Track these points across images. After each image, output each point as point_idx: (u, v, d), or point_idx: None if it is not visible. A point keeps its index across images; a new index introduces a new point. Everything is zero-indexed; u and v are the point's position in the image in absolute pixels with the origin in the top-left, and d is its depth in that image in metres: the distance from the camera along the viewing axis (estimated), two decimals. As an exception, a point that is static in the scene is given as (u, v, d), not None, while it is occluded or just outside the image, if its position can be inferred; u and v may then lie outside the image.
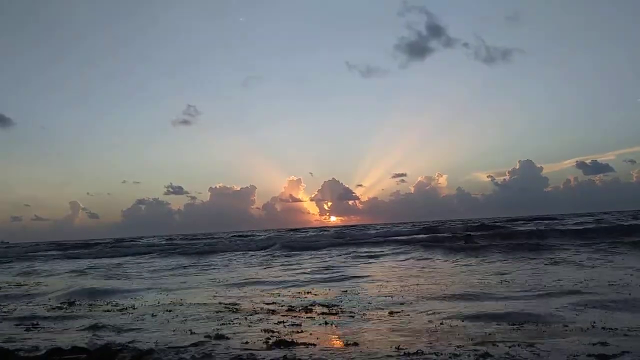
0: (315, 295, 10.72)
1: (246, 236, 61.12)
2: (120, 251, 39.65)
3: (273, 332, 6.71)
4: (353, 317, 7.82)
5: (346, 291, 11.02)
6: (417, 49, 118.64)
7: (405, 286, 11.44)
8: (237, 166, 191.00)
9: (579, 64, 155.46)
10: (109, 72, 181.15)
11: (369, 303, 9.15)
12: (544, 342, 5.57)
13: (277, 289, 12.21)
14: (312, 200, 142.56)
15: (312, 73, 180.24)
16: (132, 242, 59.91)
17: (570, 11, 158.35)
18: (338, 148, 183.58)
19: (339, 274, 15.21)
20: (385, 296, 9.91)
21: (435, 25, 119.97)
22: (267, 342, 6.02)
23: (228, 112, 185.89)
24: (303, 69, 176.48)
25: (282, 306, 9.16)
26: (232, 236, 64.93)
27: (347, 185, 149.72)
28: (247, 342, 6.10)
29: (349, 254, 23.98)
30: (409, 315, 7.78)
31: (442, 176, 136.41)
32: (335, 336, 6.49)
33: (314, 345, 5.84)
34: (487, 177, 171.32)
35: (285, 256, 24.95)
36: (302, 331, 6.77)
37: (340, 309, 8.62)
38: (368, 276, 14.30)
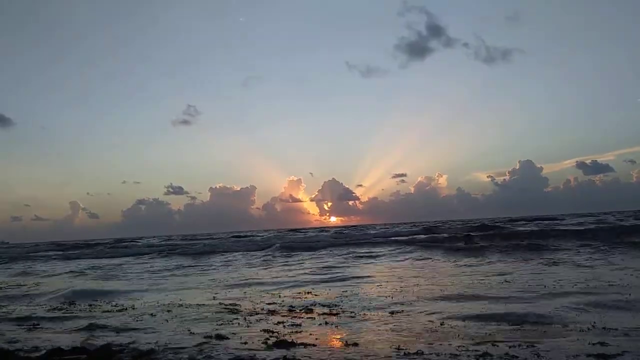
0: (316, 295, 10.72)
1: (246, 236, 61.07)
2: (120, 251, 39.63)
3: (273, 332, 6.70)
4: (353, 317, 7.82)
5: (346, 291, 11.02)
6: (417, 49, 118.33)
7: (405, 286, 11.44)
8: (237, 166, 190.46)
9: (579, 64, 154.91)
10: (109, 72, 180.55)
11: (369, 303, 9.16)
12: (544, 342, 5.57)
13: (277, 289, 12.20)
14: (312, 200, 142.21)
15: (312, 73, 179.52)
16: (132, 243, 59.88)
17: (570, 11, 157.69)
18: (338, 148, 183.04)
19: (339, 274, 15.20)
20: (385, 296, 9.91)
21: (435, 25, 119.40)
22: (266, 343, 6.02)
23: (228, 112, 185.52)
24: (303, 69, 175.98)
25: (282, 306, 9.16)
26: (232, 236, 64.88)
27: (347, 186, 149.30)
28: (246, 343, 6.10)
29: (349, 254, 23.98)
30: (409, 315, 7.78)
31: (442, 176, 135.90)
32: (336, 336, 6.49)
33: (314, 345, 5.84)
34: (487, 177, 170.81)
35: (286, 256, 24.93)
36: (302, 331, 6.76)
37: (341, 309, 8.62)
38: (368, 276, 14.30)
